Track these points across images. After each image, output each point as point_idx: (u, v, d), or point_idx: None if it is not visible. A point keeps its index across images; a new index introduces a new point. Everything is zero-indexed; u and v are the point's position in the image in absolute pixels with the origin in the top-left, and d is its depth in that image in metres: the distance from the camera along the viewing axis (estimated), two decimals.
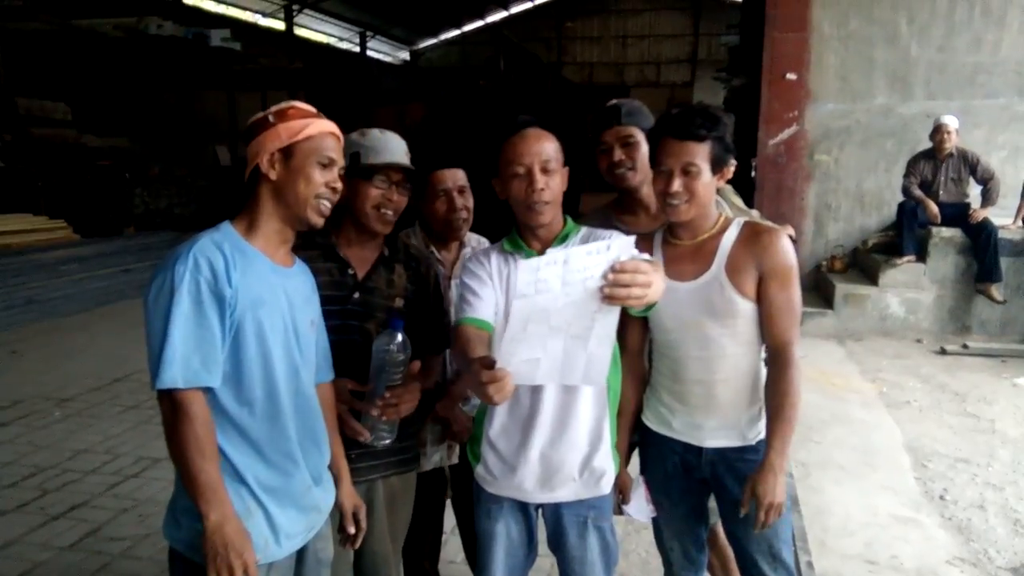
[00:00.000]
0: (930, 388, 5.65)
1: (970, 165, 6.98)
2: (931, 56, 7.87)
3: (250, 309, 1.64)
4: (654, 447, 2.19)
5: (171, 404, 1.55)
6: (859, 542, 3.46)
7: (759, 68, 8.11)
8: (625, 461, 2.20)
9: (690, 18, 29.24)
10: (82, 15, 14.09)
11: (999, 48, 7.78)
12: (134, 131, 15.22)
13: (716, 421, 2.06)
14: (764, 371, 2.03)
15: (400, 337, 1.89)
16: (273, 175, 1.70)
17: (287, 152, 1.70)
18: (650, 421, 2.18)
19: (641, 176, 2.28)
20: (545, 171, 1.89)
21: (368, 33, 28.20)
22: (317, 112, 1.77)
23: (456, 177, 2.50)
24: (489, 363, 1.54)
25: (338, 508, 1.93)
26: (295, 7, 23.95)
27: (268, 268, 1.72)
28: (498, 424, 1.99)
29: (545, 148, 1.90)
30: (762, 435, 2.02)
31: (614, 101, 2.36)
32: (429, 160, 2.43)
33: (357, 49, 27.62)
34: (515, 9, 30.81)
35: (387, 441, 2.01)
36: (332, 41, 27.22)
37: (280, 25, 23.81)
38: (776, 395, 1.94)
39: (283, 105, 1.76)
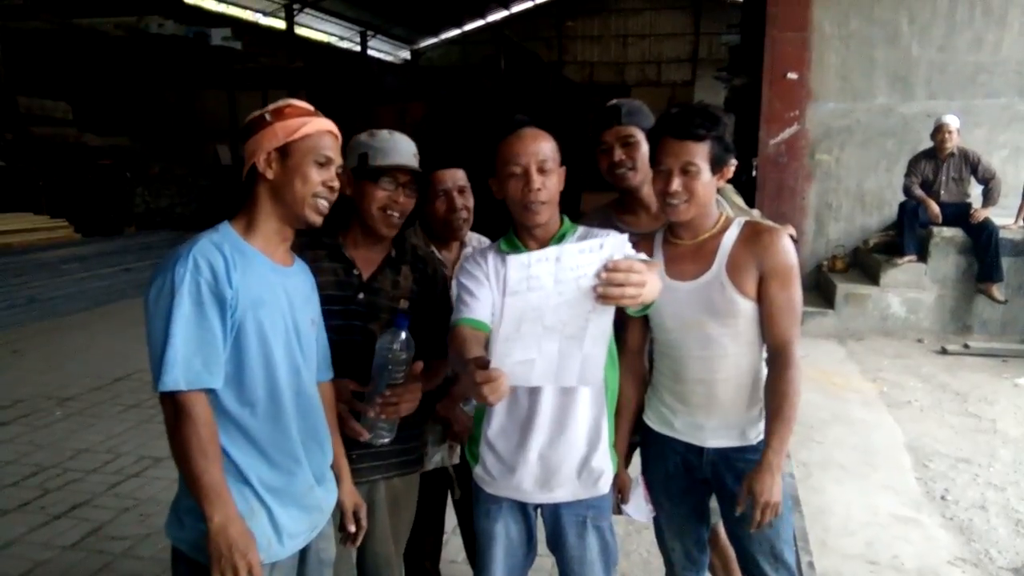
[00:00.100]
0: (931, 388, 5.65)
1: (971, 165, 6.97)
2: (932, 56, 7.87)
3: (251, 309, 1.64)
4: (655, 447, 2.19)
5: (174, 406, 1.55)
6: (860, 542, 3.46)
7: (760, 67, 8.10)
8: (625, 461, 2.20)
9: (691, 17, 29.20)
10: (83, 14, 14.10)
11: (1000, 48, 7.77)
12: (135, 130, 15.23)
13: (717, 421, 2.06)
14: (765, 371, 2.03)
15: (404, 336, 1.88)
16: (270, 174, 1.70)
17: (284, 151, 1.69)
18: (651, 421, 2.18)
19: (641, 176, 2.28)
20: (542, 171, 1.88)
21: (369, 32, 28.19)
22: (315, 110, 1.76)
23: (456, 177, 2.49)
24: (484, 363, 1.54)
25: (339, 507, 1.93)
26: (296, 6, 23.92)
27: (268, 268, 1.71)
28: (496, 425, 1.99)
29: (542, 148, 1.90)
30: (763, 435, 2.02)
31: (614, 101, 2.36)
32: (429, 160, 2.43)
33: (358, 48, 27.62)
34: (516, 8, 30.78)
35: (386, 440, 2.00)
36: (333, 40, 27.21)
37: (281, 24, 23.79)
38: (776, 394, 1.93)
39: (280, 103, 1.74)
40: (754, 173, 8.20)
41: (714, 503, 2.22)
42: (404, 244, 2.19)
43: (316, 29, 26.34)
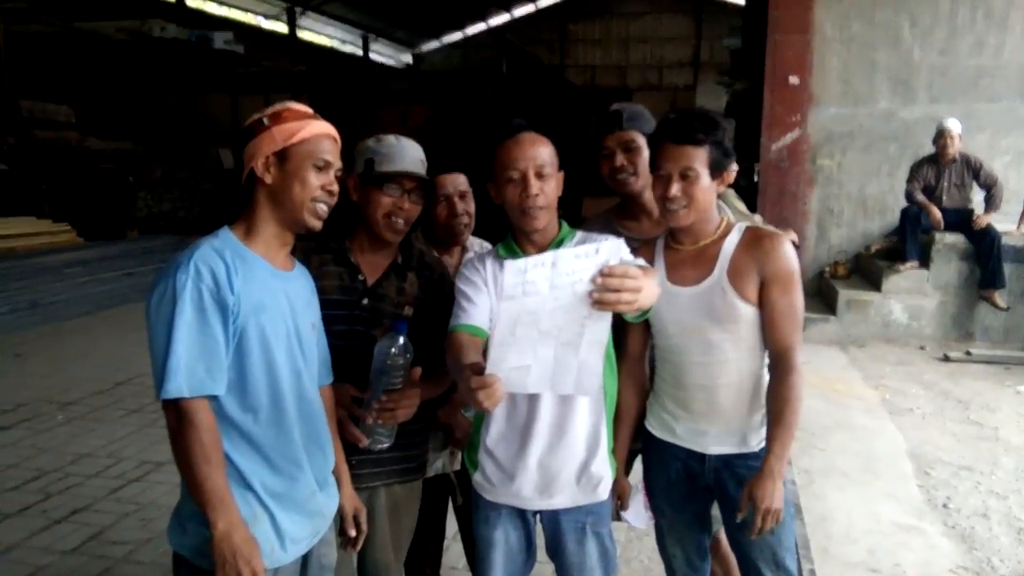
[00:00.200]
0: (933, 395, 5.64)
1: (973, 170, 6.96)
2: (933, 59, 7.87)
3: (253, 315, 1.64)
4: (657, 453, 2.18)
5: (177, 413, 1.55)
6: (862, 550, 3.45)
7: (761, 72, 8.11)
8: (624, 468, 2.19)
9: (692, 21, 29.22)
10: (85, 18, 14.16)
11: (1002, 51, 7.77)
12: (137, 134, 15.23)
13: (719, 427, 2.06)
14: (767, 377, 2.03)
15: (402, 341, 1.87)
16: (269, 179, 1.69)
17: (282, 155, 1.68)
18: (653, 427, 2.18)
19: (643, 181, 2.27)
20: (540, 176, 1.88)
21: (371, 36, 28.26)
22: (313, 113, 1.75)
23: (457, 182, 2.49)
24: (479, 369, 1.54)
25: (339, 511, 1.93)
26: (298, 10, 24.00)
27: (269, 273, 1.71)
28: (495, 432, 1.99)
29: (540, 152, 1.89)
30: (765, 441, 2.01)
31: (616, 106, 2.36)
32: (431, 164, 2.43)
33: (360, 52, 27.68)
34: (517, 12, 30.81)
35: (385, 445, 1.99)
36: (335, 44, 27.26)
37: (283, 28, 23.87)
38: (777, 400, 1.93)
39: (278, 107, 1.73)
40: (756, 178, 8.20)
41: (716, 510, 2.21)
42: (411, 250, 2.19)
43: (318, 33, 26.40)
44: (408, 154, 2.09)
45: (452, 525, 2.80)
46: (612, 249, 1.55)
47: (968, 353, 6.60)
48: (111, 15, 14.62)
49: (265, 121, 1.70)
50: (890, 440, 4.77)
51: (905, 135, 7.97)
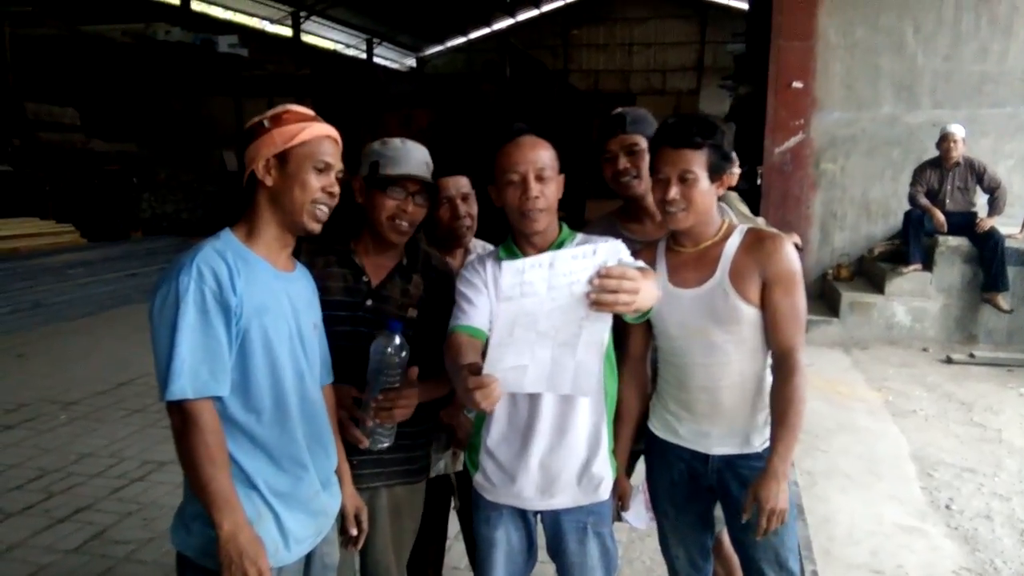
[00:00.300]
0: (936, 397, 5.63)
1: (977, 174, 6.96)
2: (937, 65, 7.87)
3: (255, 316, 1.64)
4: (660, 454, 2.18)
5: (181, 415, 1.55)
6: (864, 551, 3.45)
7: (765, 76, 8.12)
8: (625, 468, 2.20)
9: (696, 26, 29.29)
10: (90, 21, 14.21)
11: (1006, 57, 7.77)
12: (142, 136, 15.28)
13: (722, 428, 2.06)
14: (770, 378, 2.03)
15: (398, 340, 1.87)
16: (269, 181, 1.69)
17: (282, 157, 1.68)
18: (657, 428, 2.18)
19: (646, 184, 2.28)
20: (540, 179, 1.88)
21: (375, 40, 28.33)
22: (314, 115, 1.75)
23: (459, 184, 2.49)
24: (476, 369, 1.54)
25: (340, 511, 1.93)
26: (302, 14, 24.07)
27: (271, 274, 1.71)
28: (497, 432, 1.99)
29: (540, 156, 1.90)
30: (768, 443, 2.02)
31: (619, 109, 2.37)
32: (434, 167, 2.44)
33: (364, 56, 27.74)
34: (521, 16, 30.90)
35: (385, 444, 1.98)
36: (339, 48, 27.35)
37: (287, 32, 23.95)
38: (780, 401, 1.93)
39: (278, 109, 1.73)
40: (758, 181, 8.20)
41: (718, 511, 2.21)
42: (417, 252, 2.19)
43: (322, 36, 26.49)
44: (413, 157, 2.09)
45: (454, 525, 2.80)
46: (610, 250, 1.55)
47: (971, 355, 6.59)
48: (116, 19, 14.67)
49: (265, 123, 1.70)
50: (893, 442, 4.77)
51: (908, 140, 7.97)
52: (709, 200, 1.95)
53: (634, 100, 22.53)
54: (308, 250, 2.06)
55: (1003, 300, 6.80)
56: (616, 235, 2.10)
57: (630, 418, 2.16)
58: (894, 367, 6.43)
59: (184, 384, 1.53)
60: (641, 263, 1.80)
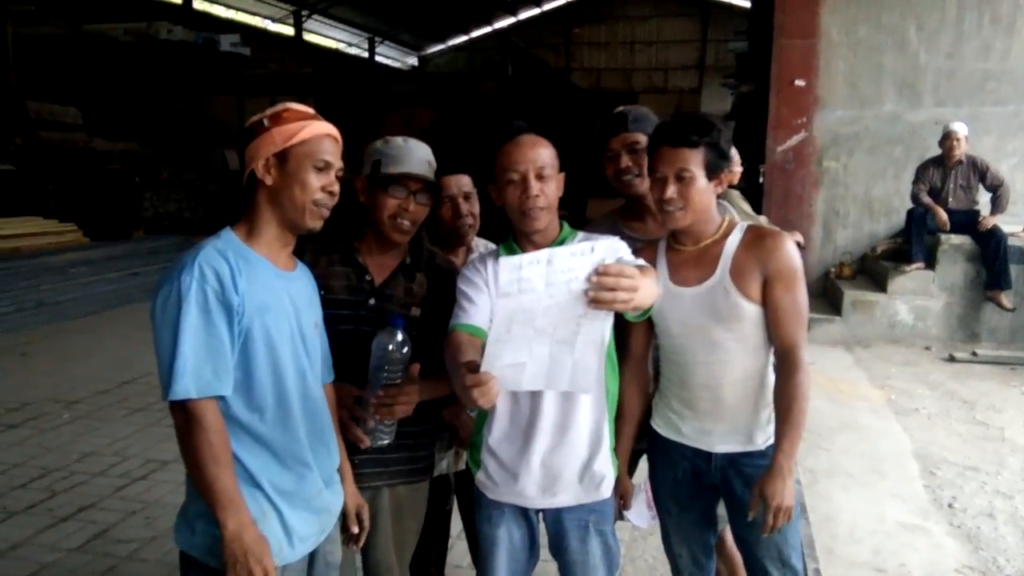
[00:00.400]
0: (939, 395, 5.63)
1: (979, 172, 6.96)
2: (940, 63, 7.86)
3: (257, 316, 1.64)
4: (663, 453, 2.18)
5: (184, 415, 1.55)
6: (867, 550, 3.44)
7: (767, 74, 8.11)
8: (627, 467, 2.20)
9: (698, 24, 29.24)
10: (93, 20, 14.21)
11: (1008, 55, 7.76)
12: (144, 135, 15.28)
13: (725, 426, 2.06)
14: (772, 375, 2.03)
15: (400, 335, 1.87)
16: (269, 180, 1.68)
17: (282, 156, 1.67)
18: (659, 427, 2.18)
19: (648, 182, 2.28)
20: (540, 177, 1.88)
21: (377, 38, 28.33)
22: (314, 113, 1.74)
23: (461, 183, 2.49)
24: (474, 367, 1.54)
25: (342, 508, 1.93)
26: (304, 13, 24.07)
27: (272, 273, 1.71)
28: (498, 431, 1.99)
29: (540, 154, 1.90)
30: (772, 440, 2.01)
31: (621, 108, 2.37)
32: (436, 166, 2.44)
33: (366, 54, 27.74)
34: (523, 15, 30.88)
35: (385, 441, 1.98)
36: (341, 46, 27.35)
37: (289, 30, 23.96)
38: (784, 398, 1.93)
39: (278, 107, 1.72)
40: (760, 180, 8.20)
41: (721, 509, 2.21)
42: (421, 251, 2.19)
43: (324, 35, 26.49)
44: (414, 156, 2.09)
45: (456, 524, 2.81)
46: (608, 248, 1.55)
47: (974, 354, 6.59)
48: (118, 18, 14.66)
49: (265, 122, 1.69)
50: (895, 440, 4.77)
51: (911, 138, 7.96)
52: (707, 198, 1.95)
53: (636, 98, 22.50)
54: (312, 249, 2.06)
55: (1006, 298, 6.79)
56: (618, 234, 2.10)
57: (631, 417, 2.16)
58: (897, 365, 6.42)
59: (187, 384, 1.53)
60: (641, 261, 1.81)
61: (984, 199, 7.06)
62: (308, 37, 25.04)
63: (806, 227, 7.99)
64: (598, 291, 1.48)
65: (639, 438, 2.22)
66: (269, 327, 1.66)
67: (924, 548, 3.47)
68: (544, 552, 2.10)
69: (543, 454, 1.94)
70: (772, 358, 2.03)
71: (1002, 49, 7.76)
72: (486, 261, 1.98)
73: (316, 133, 1.70)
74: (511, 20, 30.82)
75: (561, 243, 1.95)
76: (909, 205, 7.30)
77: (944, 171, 7.04)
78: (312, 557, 1.80)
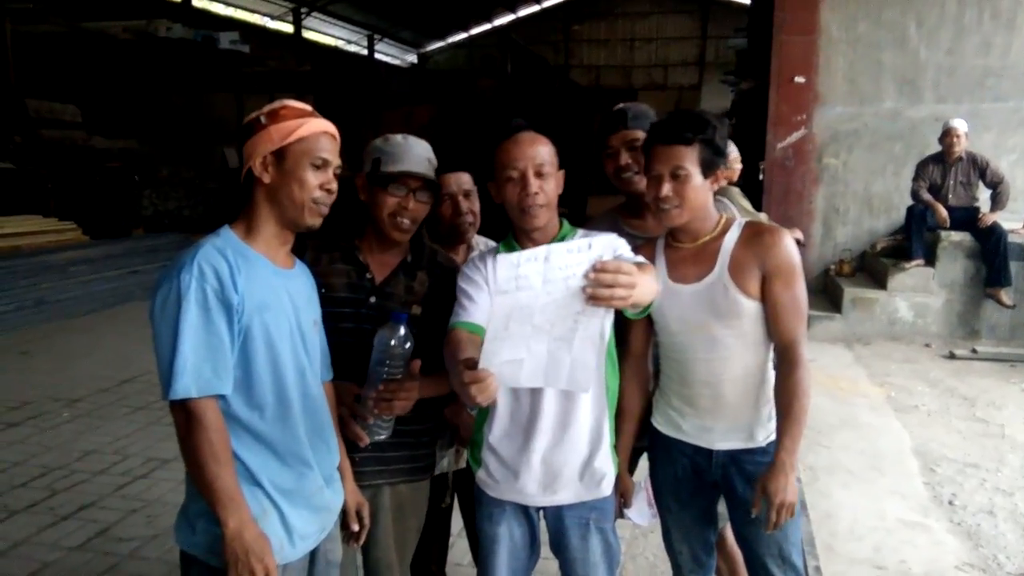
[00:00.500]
0: (939, 392, 5.63)
1: (979, 169, 6.95)
2: (940, 59, 7.85)
3: (257, 314, 1.64)
4: (664, 450, 2.18)
5: (185, 413, 1.55)
6: (867, 547, 3.45)
7: (767, 71, 8.10)
8: (627, 465, 2.19)
9: (698, 21, 29.20)
10: (92, 18, 14.18)
11: (1008, 51, 7.75)
12: (143, 133, 15.26)
13: (725, 423, 2.06)
14: (773, 372, 2.03)
15: (402, 331, 1.87)
16: (267, 178, 1.68)
17: (280, 154, 1.67)
18: (660, 424, 2.18)
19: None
20: (539, 175, 1.88)
21: (376, 36, 28.28)
22: (311, 111, 1.73)
23: (461, 181, 2.49)
24: (472, 364, 1.54)
25: (342, 506, 1.93)
26: (303, 10, 24.04)
27: (270, 271, 1.71)
28: (499, 429, 1.99)
29: (539, 151, 1.90)
30: (772, 437, 2.02)
31: (621, 105, 2.36)
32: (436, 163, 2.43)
33: (365, 52, 27.71)
34: (522, 12, 30.84)
35: (382, 436, 1.98)
36: (340, 44, 27.32)
37: (288, 28, 23.93)
38: (784, 394, 1.93)
39: (275, 105, 1.72)
40: (760, 177, 8.19)
41: (722, 507, 2.21)
42: (422, 249, 2.18)
43: (323, 33, 26.46)
44: (414, 154, 2.09)
45: (457, 522, 2.81)
46: (606, 244, 1.55)
47: (974, 351, 6.59)
48: (117, 15, 14.63)
49: (263, 120, 1.69)
50: (895, 437, 4.77)
51: (911, 134, 7.96)
52: (703, 196, 1.95)
53: (636, 96, 22.49)
54: (313, 247, 2.06)
55: (1006, 295, 6.79)
56: (618, 231, 2.10)
57: (632, 414, 2.16)
58: (896, 363, 6.43)
59: (187, 383, 1.53)
60: (639, 257, 1.80)
61: (984, 196, 7.06)
62: (307, 34, 25.01)
63: (806, 224, 8.00)
64: (595, 288, 1.48)
65: (640, 436, 2.22)
66: (268, 325, 1.66)
67: (924, 545, 3.48)
68: (545, 550, 2.10)
69: (544, 452, 1.94)
70: (772, 354, 2.03)
71: (1002, 45, 7.75)
72: (486, 259, 1.98)
73: (313, 131, 1.70)
74: (511, 17, 30.79)
75: (561, 240, 1.95)
76: (909, 202, 7.29)
77: (944, 168, 7.03)
78: (313, 555, 1.80)
